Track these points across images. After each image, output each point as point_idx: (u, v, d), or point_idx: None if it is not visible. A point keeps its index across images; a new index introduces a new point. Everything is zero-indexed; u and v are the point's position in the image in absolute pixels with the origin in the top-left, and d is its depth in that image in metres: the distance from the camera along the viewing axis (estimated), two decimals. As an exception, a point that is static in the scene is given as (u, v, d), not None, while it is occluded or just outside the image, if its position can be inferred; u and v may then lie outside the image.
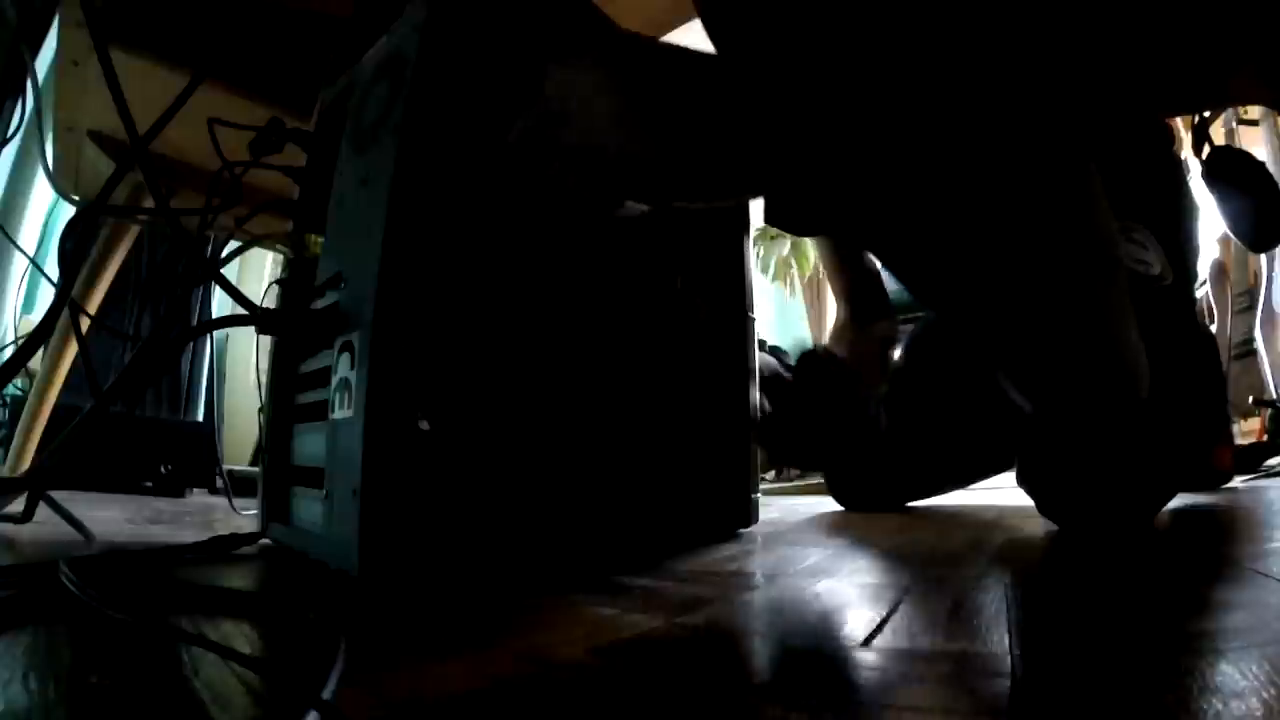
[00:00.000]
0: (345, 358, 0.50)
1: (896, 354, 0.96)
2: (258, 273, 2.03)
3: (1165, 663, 0.26)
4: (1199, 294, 2.29)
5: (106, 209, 0.85)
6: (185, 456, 1.47)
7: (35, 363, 1.06)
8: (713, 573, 0.54)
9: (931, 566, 0.53)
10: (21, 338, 1.20)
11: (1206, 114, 0.92)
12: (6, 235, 1.49)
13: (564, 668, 0.29)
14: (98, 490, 1.23)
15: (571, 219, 0.59)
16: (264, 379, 0.70)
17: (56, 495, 0.65)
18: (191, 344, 1.97)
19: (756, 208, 0.79)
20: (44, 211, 1.86)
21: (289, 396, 0.64)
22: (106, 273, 1.06)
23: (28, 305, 1.77)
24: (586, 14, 0.63)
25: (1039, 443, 0.74)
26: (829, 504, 1.07)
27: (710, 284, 0.76)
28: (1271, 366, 1.90)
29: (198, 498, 1.45)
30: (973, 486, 1.06)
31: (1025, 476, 0.75)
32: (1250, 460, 1.39)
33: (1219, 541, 0.66)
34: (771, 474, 2.10)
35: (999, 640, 0.31)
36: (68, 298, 0.67)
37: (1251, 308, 2.03)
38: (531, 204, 0.55)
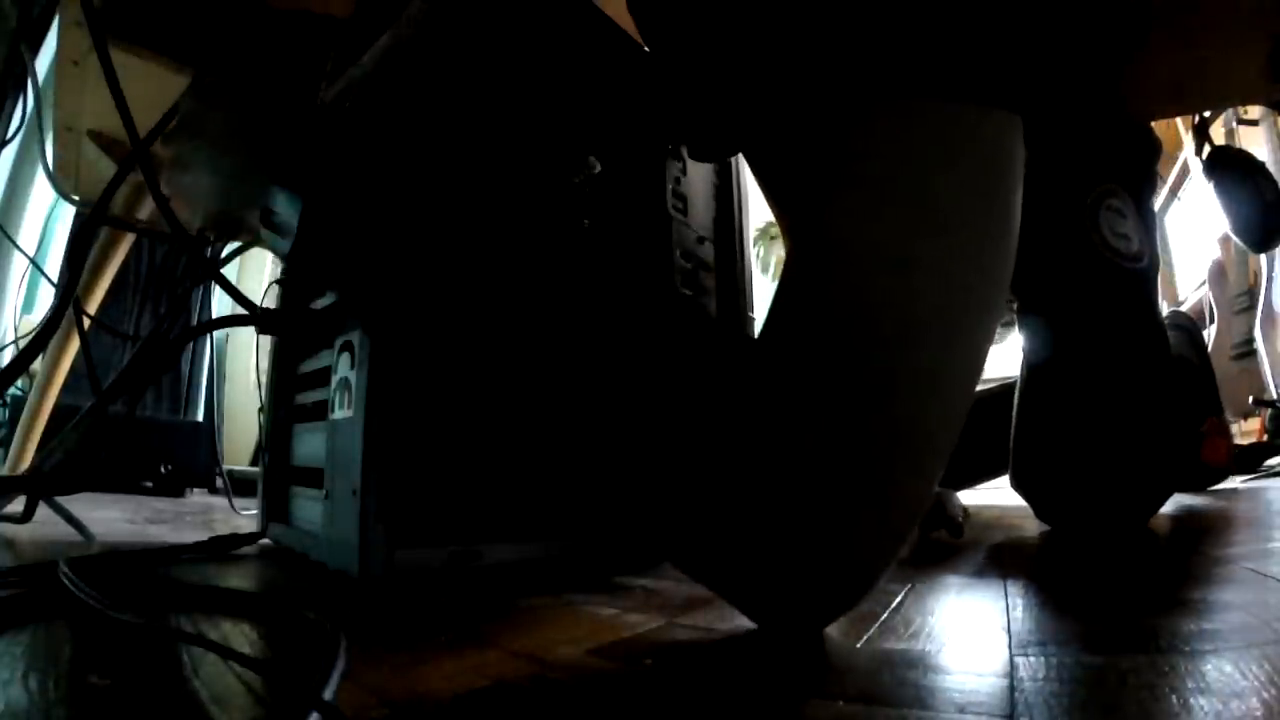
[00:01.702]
0: (345, 358, 0.50)
1: None
2: (258, 273, 2.03)
3: (1165, 663, 0.26)
4: (1199, 295, 2.30)
5: (109, 220, 0.85)
6: (185, 456, 1.47)
7: (35, 363, 1.06)
8: (713, 573, 0.54)
9: (931, 566, 0.53)
10: (22, 338, 1.21)
11: (1207, 114, 0.92)
12: (6, 235, 1.49)
13: (564, 668, 0.29)
14: (97, 490, 1.23)
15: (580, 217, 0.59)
16: (264, 379, 0.70)
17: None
18: (191, 344, 1.97)
19: (755, 209, 0.78)
20: (44, 211, 1.86)
21: (289, 396, 0.64)
22: (107, 272, 1.06)
23: (28, 305, 1.77)
24: (586, 13, 0.63)
25: (1031, 446, 0.73)
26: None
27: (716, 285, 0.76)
28: (1271, 366, 1.90)
29: (198, 498, 1.45)
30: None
31: (1019, 481, 0.75)
32: (1250, 460, 1.39)
33: (1218, 542, 0.66)
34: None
35: (998, 640, 0.31)
36: (71, 297, 0.67)
37: (1251, 308, 2.03)
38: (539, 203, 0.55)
